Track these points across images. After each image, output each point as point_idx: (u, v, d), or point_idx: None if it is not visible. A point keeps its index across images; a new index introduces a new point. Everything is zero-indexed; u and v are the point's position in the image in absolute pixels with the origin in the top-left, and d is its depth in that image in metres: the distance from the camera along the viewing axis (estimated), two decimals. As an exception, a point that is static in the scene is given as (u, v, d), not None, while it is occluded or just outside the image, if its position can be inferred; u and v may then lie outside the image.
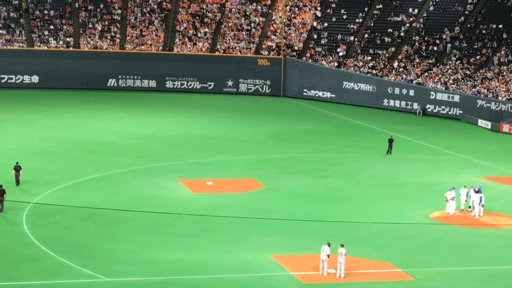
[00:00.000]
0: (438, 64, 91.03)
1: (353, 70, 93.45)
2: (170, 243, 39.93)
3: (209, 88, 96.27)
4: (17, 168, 49.09)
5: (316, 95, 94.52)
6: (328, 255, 35.81)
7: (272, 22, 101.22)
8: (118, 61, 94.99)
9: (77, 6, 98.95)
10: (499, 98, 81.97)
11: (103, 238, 40.29)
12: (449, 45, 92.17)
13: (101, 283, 34.29)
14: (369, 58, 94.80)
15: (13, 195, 46.12)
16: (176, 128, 73.09)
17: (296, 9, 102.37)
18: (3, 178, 46.59)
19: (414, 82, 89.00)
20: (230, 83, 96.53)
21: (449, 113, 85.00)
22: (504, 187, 54.69)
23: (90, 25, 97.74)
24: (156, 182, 51.95)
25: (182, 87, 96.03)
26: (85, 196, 47.88)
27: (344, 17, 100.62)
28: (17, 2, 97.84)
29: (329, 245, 36.01)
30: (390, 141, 64.51)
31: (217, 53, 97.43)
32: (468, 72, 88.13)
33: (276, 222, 43.88)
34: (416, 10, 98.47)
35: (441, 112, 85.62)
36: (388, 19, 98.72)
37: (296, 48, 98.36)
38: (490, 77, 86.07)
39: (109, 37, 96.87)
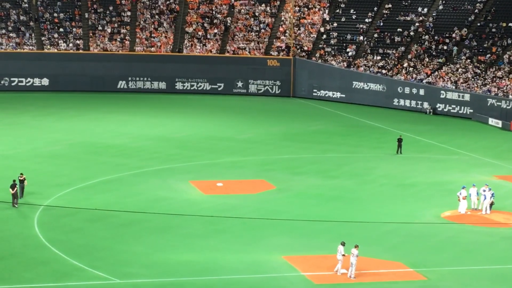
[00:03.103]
0: (448, 63, 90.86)
1: (362, 70, 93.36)
2: (181, 244, 39.95)
3: (219, 89, 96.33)
4: (22, 180, 47.05)
5: (326, 95, 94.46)
6: (343, 255, 35.81)
7: (281, 22, 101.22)
8: (127, 63, 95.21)
9: (86, 13, 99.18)
10: (510, 96, 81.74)
11: (114, 240, 40.34)
12: (455, 48, 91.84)
13: (112, 285, 34.33)
14: (378, 57, 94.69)
15: (22, 200, 46.37)
16: (186, 129, 73.15)
17: (305, 9, 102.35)
18: (12, 181, 46.59)
19: (424, 81, 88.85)
20: (239, 84, 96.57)
21: (460, 112, 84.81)
22: (515, 186, 54.55)
23: (100, 28, 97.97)
24: (167, 184, 52.00)
25: (192, 88, 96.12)
26: (95, 198, 47.96)
27: (354, 17, 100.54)
28: (27, 5, 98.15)
29: (343, 244, 36.01)
30: (399, 140, 64.44)
31: (226, 54, 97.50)
32: (478, 71, 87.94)
33: (287, 223, 43.87)
34: (425, 9, 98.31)
35: (452, 111, 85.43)
36: (398, 18, 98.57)
37: (305, 48, 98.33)
38: (501, 76, 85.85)
39: (118, 39, 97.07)
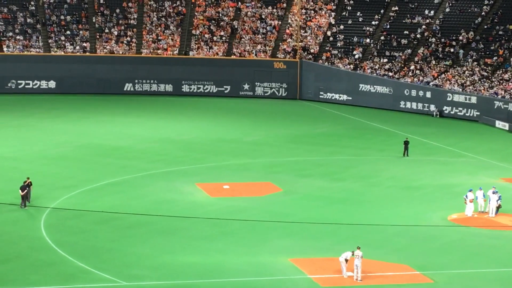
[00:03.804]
0: (454, 66, 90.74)
1: (369, 72, 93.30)
2: (187, 247, 39.94)
3: (226, 91, 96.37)
4: (29, 184, 46.15)
5: (333, 98, 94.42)
6: (346, 259, 35.75)
7: (288, 25, 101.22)
8: (134, 66, 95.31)
9: (93, 16, 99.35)
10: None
11: (121, 242, 40.35)
12: (461, 51, 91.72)
13: (118, 287, 34.34)
14: (385, 60, 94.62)
15: (29, 202, 46.42)
16: (193, 132, 73.19)
17: (312, 12, 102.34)
18: (19, 183, 46.65)
19: (430, 84, 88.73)
20: (246, 86, 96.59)
21: (466, 114, 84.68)
22: (522, 189, 54.37)
23: (106, 30, 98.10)
24: (173, 186, 52.01)
25: (198, 91, 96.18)
26: (102, 200, 48.00)
27: (360, 19, 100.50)
28: (34, 8, 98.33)
29: (353, 253, 35.82)
30: (406, 143, 64.33)
31: (233, 57, 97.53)
32: (485, 74, 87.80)
33: (293, 225, 43.85)
34: (432, 12, 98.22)
35: (458, 113, 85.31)
36: (404, 21, 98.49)
37: (312, 51, 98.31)
38: (507, 78, 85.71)
39: (125, 42, 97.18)
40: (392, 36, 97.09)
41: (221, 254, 38.79)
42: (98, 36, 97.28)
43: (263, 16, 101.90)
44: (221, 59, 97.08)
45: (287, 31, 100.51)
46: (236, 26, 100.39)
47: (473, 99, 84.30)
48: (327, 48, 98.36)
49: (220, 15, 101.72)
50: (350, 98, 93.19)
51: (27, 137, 68.12)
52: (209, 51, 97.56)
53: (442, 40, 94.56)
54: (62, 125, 74.60)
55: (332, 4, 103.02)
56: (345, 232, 42.93)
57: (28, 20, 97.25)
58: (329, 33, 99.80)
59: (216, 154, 63.31)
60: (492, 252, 40.93)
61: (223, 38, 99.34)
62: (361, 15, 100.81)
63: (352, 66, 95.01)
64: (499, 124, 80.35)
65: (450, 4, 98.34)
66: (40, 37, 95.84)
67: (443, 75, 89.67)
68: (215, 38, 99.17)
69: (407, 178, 56.51)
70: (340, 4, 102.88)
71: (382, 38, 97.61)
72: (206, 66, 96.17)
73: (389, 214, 47.02)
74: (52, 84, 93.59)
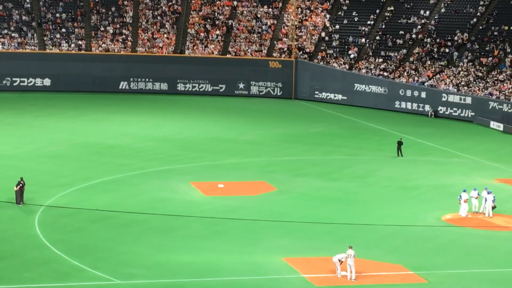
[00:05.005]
0: (449, 66, 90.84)
1: (364, 72, 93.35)
2: (182, 245, 39.95)
3: (221, 90, 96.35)
4: (22, 183, 45.66)
5: (328, 97, 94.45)
6: (340, 260, 35.76)
7: (284, 24, 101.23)
8: (129, 64, 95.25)
9: (89, 14, 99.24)
10: (511, 99, 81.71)
11: (115, 240, 40.34)
12: (456, 53, 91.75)
13: (113, 286, 34.33)
14: (380, 60, 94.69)
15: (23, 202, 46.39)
16: (188, 130, 73.17)
17: (308, 11, 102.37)
18: (14, 181, 46.60)
19: (425, 84, 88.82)
20: (241, 85, 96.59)
21: (461, 115, 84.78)
22: (516, 189, 54.48)
23: (102, 28, 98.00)
24: (168, 185, 51.99)
25: (193, 89, 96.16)
26: (97, 198, 47.96)
27: (356, 19, 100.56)
28: (29, 6, 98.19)
29: (347, 256, 35.82)
30: (399, 143, 64.31)
31: (228, 56, 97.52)
32: (480, 74, 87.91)
33: (288, 225, 43.87)
34: (427, 12, 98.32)
35: (453, 114, 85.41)
36: (400, 21, 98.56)
37: (307, 50, 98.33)
38: (502, 79, 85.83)
39: (120, 40, 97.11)
40: (388, 36, 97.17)
41: (215, 253, 38.81)
42: (93, 34, 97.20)
43: (259, 15, 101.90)
44: (217, 58, 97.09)
45: (283, 30, 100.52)
46: (231, 25, 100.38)
47: (468, 100, 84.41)
48: (322, 47, 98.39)
49: (216, 14, 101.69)
50: (345, 97, 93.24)
51: (22, 135, 68.03)
52: (205, 50, 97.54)
53: (437, 40, 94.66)
54: (57, 123, 74.52)
55: (328, 3, 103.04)
56: (340, 231, 42.96)
57: (24, 17, 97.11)
58: (324, 32, 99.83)
59: (211, 153, 63.31)
60: (486, 253, 41.00)
61: (219, 37, 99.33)
62: (356, 15, 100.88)
63: (347, 66, 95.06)
64: (493, 124, 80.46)
65: (446, 5, 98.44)
66: (35, 35, 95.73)
67: (438, 75, 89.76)
68: (210, 37, 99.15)
69: (402, 178, 56.58)
70: (336, 3, 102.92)
71: (378, 38, 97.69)
72: (201, 65, 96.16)
73: (383, 214, 47.06)
74: (47, 82, 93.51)
